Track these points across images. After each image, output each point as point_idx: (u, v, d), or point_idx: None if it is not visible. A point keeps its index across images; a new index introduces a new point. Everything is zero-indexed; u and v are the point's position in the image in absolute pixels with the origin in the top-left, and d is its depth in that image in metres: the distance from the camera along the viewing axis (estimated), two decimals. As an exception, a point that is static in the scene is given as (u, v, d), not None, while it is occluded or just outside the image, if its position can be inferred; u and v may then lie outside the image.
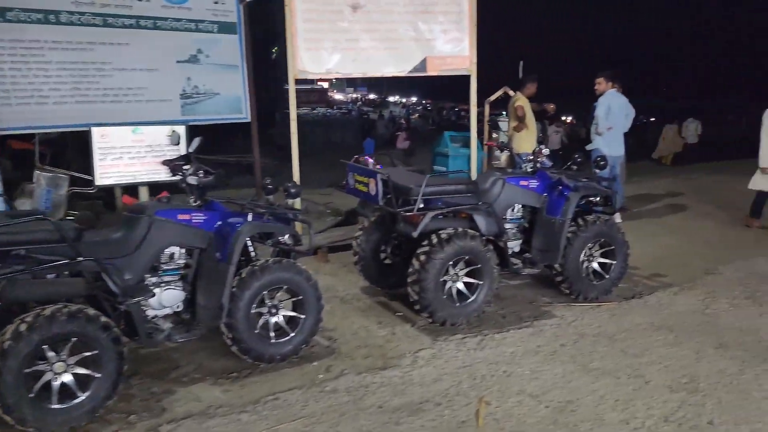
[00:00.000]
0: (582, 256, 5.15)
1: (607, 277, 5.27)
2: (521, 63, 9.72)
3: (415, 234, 4.46)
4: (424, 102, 58.26)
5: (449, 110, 50.25)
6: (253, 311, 3.87)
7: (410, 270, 4.53)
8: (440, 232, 4.52)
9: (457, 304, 4.62)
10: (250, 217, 4.00)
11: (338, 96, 57.19)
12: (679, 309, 4.97)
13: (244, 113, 6.76)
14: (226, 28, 6.56)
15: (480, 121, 8.56)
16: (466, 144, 7.84)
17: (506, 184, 5.10)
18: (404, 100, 62.05)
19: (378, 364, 4.00)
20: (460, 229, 4.57)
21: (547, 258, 5.12)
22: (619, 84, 8.67)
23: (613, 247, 5.26)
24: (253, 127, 6.91)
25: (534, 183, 5.23)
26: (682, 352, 4.15)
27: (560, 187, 5.15)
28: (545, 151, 5.28)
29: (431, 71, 6.95)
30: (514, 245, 5.26)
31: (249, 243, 4.03)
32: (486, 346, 4.26)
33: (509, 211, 5.24)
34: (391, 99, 61.81)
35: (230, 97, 6.64)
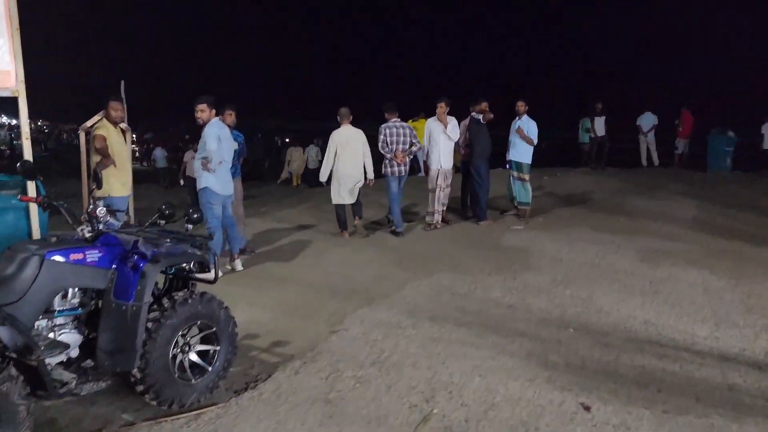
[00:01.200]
0: (172, 349, 3.76)
1: (210, 369, 3.98)
2: (122, 83, 8.04)
3: None
4: (39, 123, 50.34)
5: (71, 133, 44.61)
6: None
7: None
8: None
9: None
10: None
11: None
12: (299, 399, 3.93)
13: None
14: None
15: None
16: (26, 192, 5.68)
17: (46, 262, 3.39)
18: (12, 121, 52.49)
19: None
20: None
21: (119, 363, 3.55)
22: (232, 110, 7.66)
23: (214, 329, 4.00)
24: None
25: (95, 254, 3.61)
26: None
27: (135, 257, 3.67)
28: (101, 210, 3.69)
29: (-53, 89, 4.78)
30: (69, 351, 3.57)
31: None
32: None
33: (58, 300, 3.54)
34: (-6, 119, 51.81)
35: None
